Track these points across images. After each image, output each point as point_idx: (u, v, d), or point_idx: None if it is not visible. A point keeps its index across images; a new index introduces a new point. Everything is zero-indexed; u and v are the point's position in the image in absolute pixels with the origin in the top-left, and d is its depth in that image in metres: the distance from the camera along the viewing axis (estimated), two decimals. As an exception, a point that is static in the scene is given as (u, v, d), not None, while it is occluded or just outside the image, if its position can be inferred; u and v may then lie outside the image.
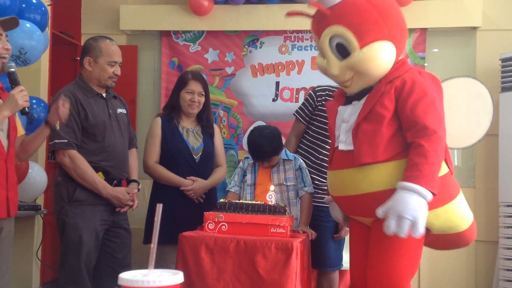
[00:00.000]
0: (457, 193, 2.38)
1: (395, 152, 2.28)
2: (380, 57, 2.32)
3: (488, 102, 2.78)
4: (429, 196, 2.14)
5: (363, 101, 2.38)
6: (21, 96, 2.44)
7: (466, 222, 2.40)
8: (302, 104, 3.43)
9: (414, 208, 2.10)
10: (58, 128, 2.64)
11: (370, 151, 2.28)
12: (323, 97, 3.30)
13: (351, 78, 2.40)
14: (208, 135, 3.39)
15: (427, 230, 2.32)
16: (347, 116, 2.43)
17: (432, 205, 2.20)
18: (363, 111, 2.35)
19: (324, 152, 3.29)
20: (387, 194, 2.22)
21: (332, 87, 3.32)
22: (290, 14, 2.45)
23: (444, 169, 2.32)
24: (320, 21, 2.40)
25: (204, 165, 3.34)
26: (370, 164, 2.29)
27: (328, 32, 2.37)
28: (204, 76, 4.67)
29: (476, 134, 2.55)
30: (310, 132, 3.36)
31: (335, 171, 2.47)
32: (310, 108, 3.37)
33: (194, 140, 3.32)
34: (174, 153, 3.27)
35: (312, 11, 2.45)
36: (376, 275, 2.32)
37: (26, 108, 2.47)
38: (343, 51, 2.36)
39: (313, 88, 3.44)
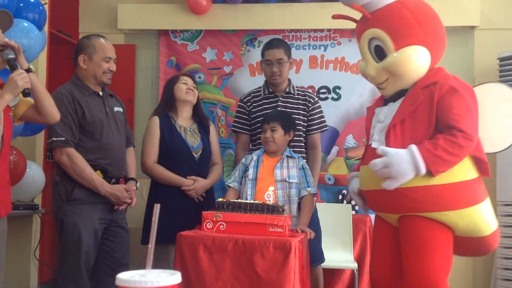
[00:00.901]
0: (484, 199, 2.45)
1: None
2: (414, 60, 2.46)
3: None
4: (423, 172, 2.29)
5: (398, 103, 2.50)
6: (21, 78, 2.45)
7: (490, 228, 2.46)
8: (235, 117, 3.52)
9: (403, 171, 2.30)
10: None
11: None
12: (251, 101, 3.45)
13: (386, 80, 2.54)
14: (204, 133, 3.39)
15: (452, 231, 2.41)
16: (382, 116, 2.56)
17: (457, 205, 2.33)
18: (399, 114, 2.46)
19: None
20: (416, 191, 2.35)
21: (255, 90, 3.50)
22: (336, 16, 2.65)
23: (472, 174, 2.42)
24: (362, 25, 2.59)
25: (204, 163, 3.34)
26: None
27: (368, 34, 2.54)
28: (203, 75, 4.71)
29: (506, 139, 2.62)
30: (255, 138, 3.44)
31: (366, 166, 2.54)
32: (245, 116, 3.47)
33: (192, 139, 3.32)
34: (174, 152, 3.26)
35: (357, 15, 2.64)
36: (414, 276, 2.39)
37: (27, 90, 2.49)
38: (380, 53, 2.52)
39: (239, 99, 3.55)
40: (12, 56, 2.53)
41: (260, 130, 3.31)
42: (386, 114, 2.55)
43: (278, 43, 3.49)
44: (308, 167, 3.12)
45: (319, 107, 3.45)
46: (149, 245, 1.18)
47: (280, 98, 3.38)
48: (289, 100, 3.37)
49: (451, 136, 2.30)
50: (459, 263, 4.32)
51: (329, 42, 4.66)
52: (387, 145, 2.43)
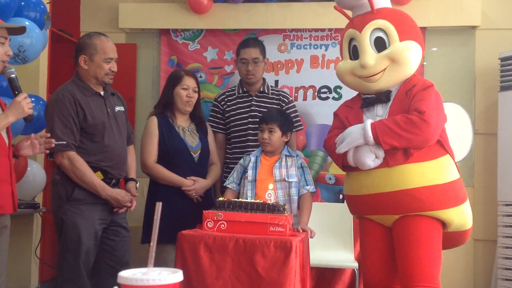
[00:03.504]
0: (467, 196, 2.67)
1: (428, 153, 2.52)
2: (416, 53, 2.63)
3: (469, 128, 3.29)
4: (370, 138, 2.48)
5: (387, 108, 2.64)
6: (26, 103, 2.47)
7: (471, 221, 2.69)
8: (210, 117, 3.57)
9: (354, 137, 2.54)
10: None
11: (403, 154, 2.53)
12: (225, 100, 3.50)
13: (384, 70, 2.62)
14: (202, 133, 3.38)
15: (445, 227, 2.59)
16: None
17: (456, 203, 2.54)
18: (391, 115, 2.60)
19: (254, 145, 3.32)
20: (421, 191, 2.48)
21: (229, 89, 3.57)
22: (337, 8, 2.81)
23: (457, 175, 2.62)
24: (364, 17, 2.70)
25: (203, 163, 3.33)
26: (404, 164, 2.52)
27: (372, 24, 2.65)
28: (204, 75, 4.71)
29: (459, 154, 2.94)
30: (230, 138, 3.51)
31: (362, 172, 2.62)
32: (219, 115, 3.52)
33: (191, 139, 3.31)
34: (173, 152, 3.25)
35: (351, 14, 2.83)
36: (413, 271, 2.51)
37: (30, 116, 2.51)
38: (380, 45, 2.64)
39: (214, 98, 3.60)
40: (14, 75, 2.53)
41: (234, 129, 3.36)
42: (383, 116, 2.66)
43: (254, 42, 3.56)
44: (306, 165, 3.12)
45: (294, 106, 3.54)
46: (151, 243, 1.18)
47: (254, 97, 3.42)
48: (263, 100, 3.43)
49: (409, 114, 2.47)
50: (459, 262, 4.34)
51: (330, 41, 4.65)
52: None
